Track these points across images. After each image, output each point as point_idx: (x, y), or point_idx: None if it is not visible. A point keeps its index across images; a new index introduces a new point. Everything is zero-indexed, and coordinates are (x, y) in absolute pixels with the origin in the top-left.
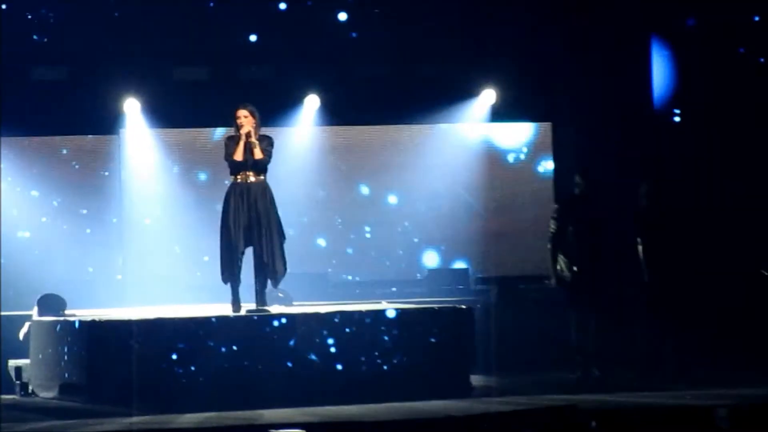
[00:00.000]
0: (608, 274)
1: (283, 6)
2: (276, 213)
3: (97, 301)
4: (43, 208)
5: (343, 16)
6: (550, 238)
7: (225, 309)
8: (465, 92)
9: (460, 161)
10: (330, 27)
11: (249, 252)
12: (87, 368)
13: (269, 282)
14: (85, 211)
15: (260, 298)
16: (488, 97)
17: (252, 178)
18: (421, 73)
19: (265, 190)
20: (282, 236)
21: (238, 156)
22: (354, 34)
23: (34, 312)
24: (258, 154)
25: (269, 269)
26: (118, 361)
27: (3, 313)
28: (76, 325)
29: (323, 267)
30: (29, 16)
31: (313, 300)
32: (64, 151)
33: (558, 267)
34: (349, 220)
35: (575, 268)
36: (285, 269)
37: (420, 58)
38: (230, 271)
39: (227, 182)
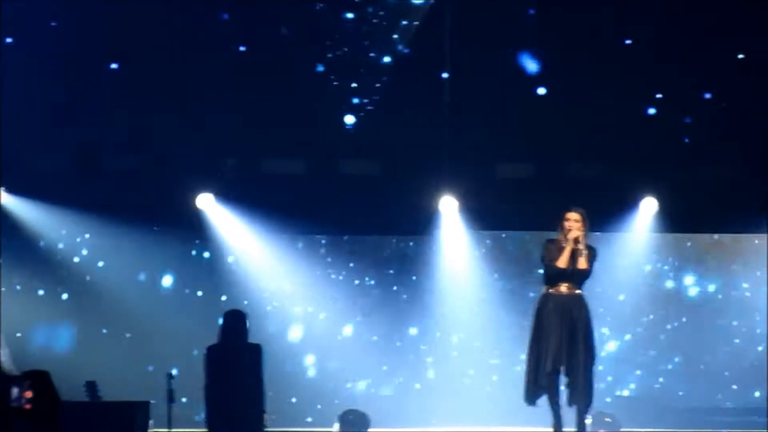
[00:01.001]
0: None
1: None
2: (592, 333)
3: (401, 418)
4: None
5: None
6: None
7: None
8: None
9: None
10: (672, 126)
11: None
12: None
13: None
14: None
15: (580, 425)
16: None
17: (571, 290)
18: None
19: (583, 305)
20: (594, 362)
21: (562, 263)
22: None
23: (335, 428)
24: (582, 263)
25: (579, 395)
26: None
27: (295, 429)
28: None
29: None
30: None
31: (646, 426)
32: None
33: None
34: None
35: None
36: (591, 400)
37: None
38: (538, 392)
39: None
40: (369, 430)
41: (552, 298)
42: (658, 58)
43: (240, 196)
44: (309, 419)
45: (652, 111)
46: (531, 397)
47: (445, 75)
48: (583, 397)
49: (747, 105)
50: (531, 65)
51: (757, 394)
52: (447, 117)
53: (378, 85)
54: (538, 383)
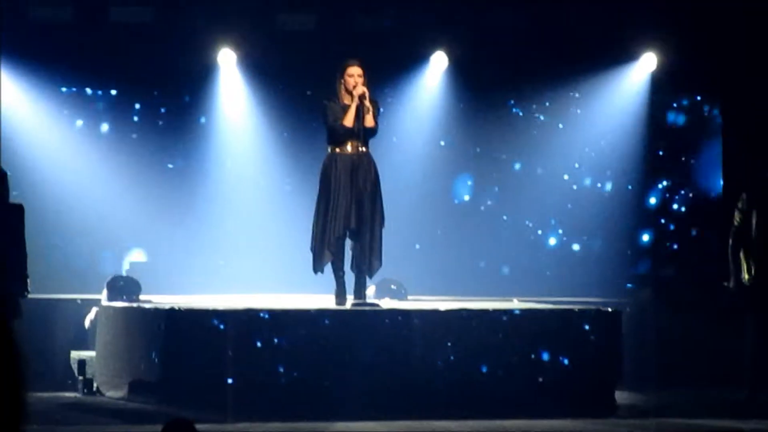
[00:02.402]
0: None
1: None
2: (380, 196)
3: (176, 286)
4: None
5: None
6: (732, 233)
7: (326, 301)
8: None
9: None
10: None
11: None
12: (162, 364)
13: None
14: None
15: (361, 290)
16: (648, 62)
17: (358, 149)
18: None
19: (371, 164)
20: (383, 224)
21: (349, 122)
22: None
23: (102, 296)
24: (370, 121)
25: (365, 262)
26: (200, 357)
27: (66, 296)
28: (152, 312)
29: (443, 256)
30: None
31: (432, 294)
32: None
33: (740, 266)
34: None
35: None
36: (380, 263)
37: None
38: (326, 258)
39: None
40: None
41: (339, 158)
42: None
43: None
44: None
45: None
46: (320, 264)
47: None
48: (373, 260)
49: None
50: None
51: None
52: None
53: None
54: (327, 248)
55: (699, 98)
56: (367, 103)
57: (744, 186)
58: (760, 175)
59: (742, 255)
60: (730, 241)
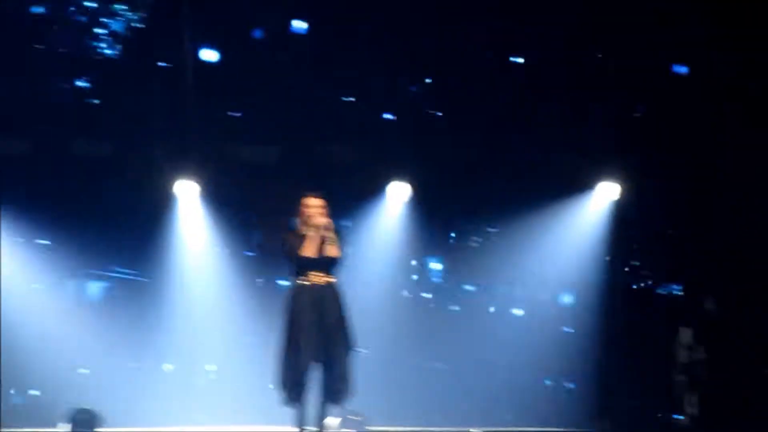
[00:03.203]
0: None
1: None
2: (349, 324)
3: (139, 416)
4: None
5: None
6: None
7: None
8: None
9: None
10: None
11: None
12: None
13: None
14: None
15: (320, 420)
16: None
17: (323, 279)
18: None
19: (336, 295)
20: (351, 351)
21: (308, 252)
22: (439, 113)
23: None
24: (333, 251)
25: (333, 391)
26: None
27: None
28: None
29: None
30: None
31: (395, 423)
32: None
33: None
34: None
35: None
36: (350, 392)
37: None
38: (296, 391)
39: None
40: (99, 429)
41: (304, 289)
42: None
43: None
44: None
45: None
46: (292, 397)
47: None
48: (341, 389)
49: None
50: None
51: None
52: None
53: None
54: (298, 381)
55: None
56: (329, 234)
57: None
58: None
59: None
60: None
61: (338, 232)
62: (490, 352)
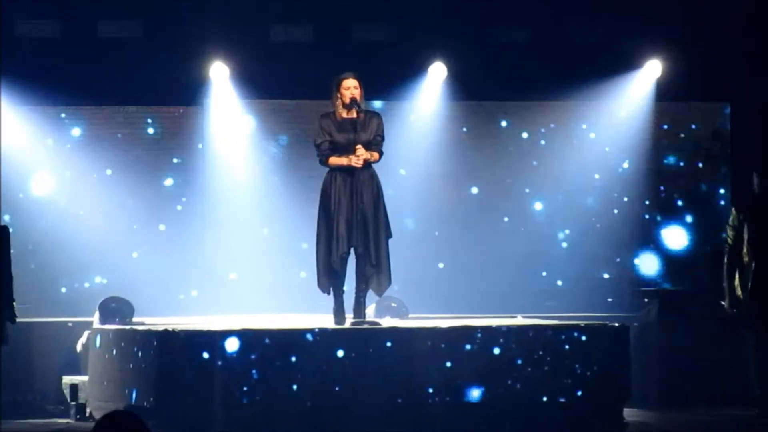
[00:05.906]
0: None
1: None
2: (384, 209)
3: (171, 308)
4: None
5: None
6: (726, 252)
7: (324, 320)
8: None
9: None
10: None
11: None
12: (157, 388)
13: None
14: (169, 181)
15: (360, 309)
16: (653, 70)
17: (362, 161)
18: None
19: (372, 179)
20: (388, 239)
21: (338, 162)
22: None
23: (94, 319)
24: (368, 135)
25: (373, 279)
26: (195, 380)
27: (58, 319)
28: (146, 335)
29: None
30: None
31: (432, 312)
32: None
33: (734, 285)
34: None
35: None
36: (390, 281)
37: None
38: (331, 277)
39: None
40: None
41: (339, 175)
42: None
43: None
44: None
45: None
46: (326, 284)
47: None
48: (382, 278)
49: None
50: None
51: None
52: None
53: None
54: (332, 268)
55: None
56: (366, 155)
57: (735, 202)
58: (750, 190)
59: (737, 273)
60: (725, 259)
61: (374, 115)
62: (533, 243)
